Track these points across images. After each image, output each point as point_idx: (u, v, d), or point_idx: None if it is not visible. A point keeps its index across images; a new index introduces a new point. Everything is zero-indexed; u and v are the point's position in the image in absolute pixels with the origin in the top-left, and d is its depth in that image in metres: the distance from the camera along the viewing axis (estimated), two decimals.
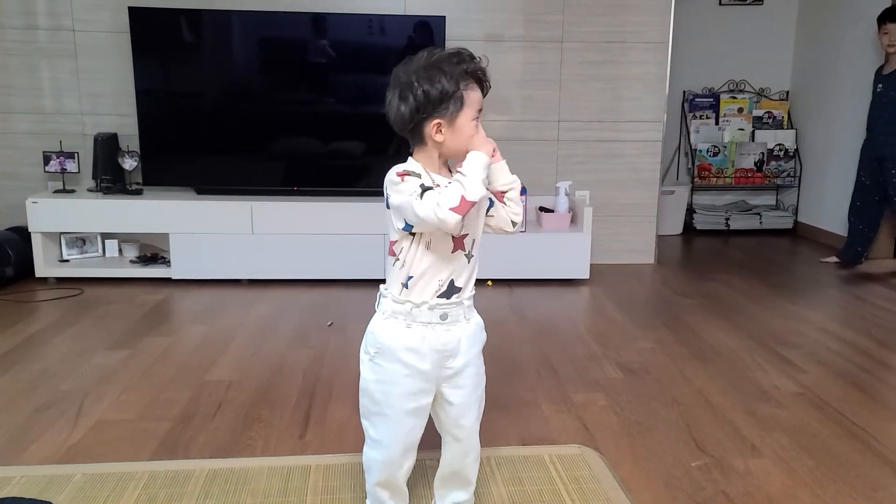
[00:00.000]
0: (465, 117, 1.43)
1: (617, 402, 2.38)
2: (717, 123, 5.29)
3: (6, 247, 3.53)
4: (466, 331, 1.51)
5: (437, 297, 1.46)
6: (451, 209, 1.34)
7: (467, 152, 1.42)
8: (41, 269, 3.59)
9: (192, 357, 2.69)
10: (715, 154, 5.18)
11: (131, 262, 3.72)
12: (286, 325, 3.08)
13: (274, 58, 3.80)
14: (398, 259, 1.47)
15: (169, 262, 3.64)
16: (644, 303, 3.57)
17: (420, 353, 1.47)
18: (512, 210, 1.56)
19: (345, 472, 1.87)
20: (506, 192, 1.54)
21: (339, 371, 2.57)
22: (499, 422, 2.20)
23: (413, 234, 1.44)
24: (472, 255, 1.50)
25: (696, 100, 5.27)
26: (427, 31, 3.76)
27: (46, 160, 3.70)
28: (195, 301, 3.43)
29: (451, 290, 1.47)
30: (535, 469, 1.92)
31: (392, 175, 1.41)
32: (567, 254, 3.78)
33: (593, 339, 2.98)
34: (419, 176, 1.41)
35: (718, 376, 2.59)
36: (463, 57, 1.42)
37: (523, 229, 1.65)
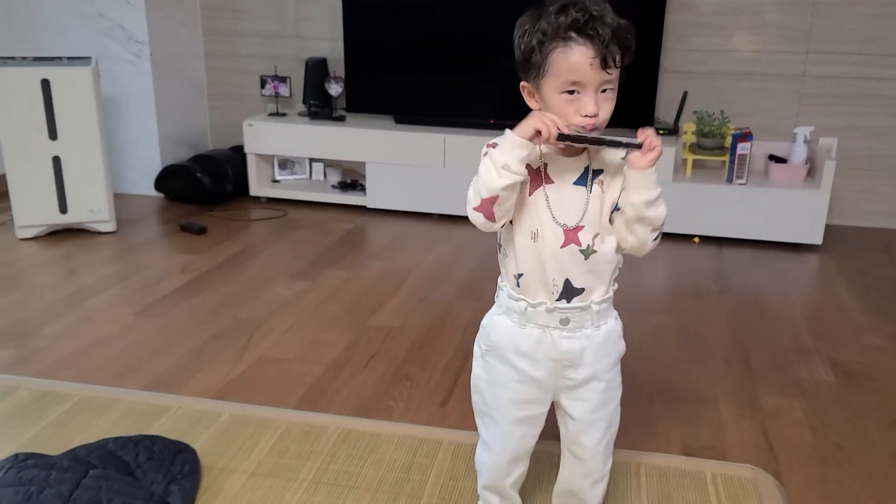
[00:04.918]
0: (549, 88, 1.12)
1: (818, 414, 1.97)
2: None
3: (226, 166, 3.80)
4: (594, 339, 1.25)
5: (556, 299, 1.22)
6: (473, 209, 1.15)
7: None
8: (255, 188, 3.83)
9: (363, 296, 2.70)
10: None
11: (332, 186, 3.84)
12: (461, 270, 2.98)
13: None
14: (502, 248, 1.26)
15: (366, 189, 3.70)
16: (888, 283, 2.94)
17: (533, 359, 1.26)
18: (620, 233, 1.20)
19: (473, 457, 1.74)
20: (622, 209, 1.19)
21: None
22: (662, 418, 1.93)
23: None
24: (595, 251, 1.20)
25: None
26: None
27: (263, 83, 3.88)
28: (382, 233, 3.46)
29: (568, 291, 1.22)
30: (691, 489, 1.65)
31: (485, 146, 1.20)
32: (796, 213, 3.21)
33: (807, 326, 2.51)
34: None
35: None
36: (567, 5, 1.07)
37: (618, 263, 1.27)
